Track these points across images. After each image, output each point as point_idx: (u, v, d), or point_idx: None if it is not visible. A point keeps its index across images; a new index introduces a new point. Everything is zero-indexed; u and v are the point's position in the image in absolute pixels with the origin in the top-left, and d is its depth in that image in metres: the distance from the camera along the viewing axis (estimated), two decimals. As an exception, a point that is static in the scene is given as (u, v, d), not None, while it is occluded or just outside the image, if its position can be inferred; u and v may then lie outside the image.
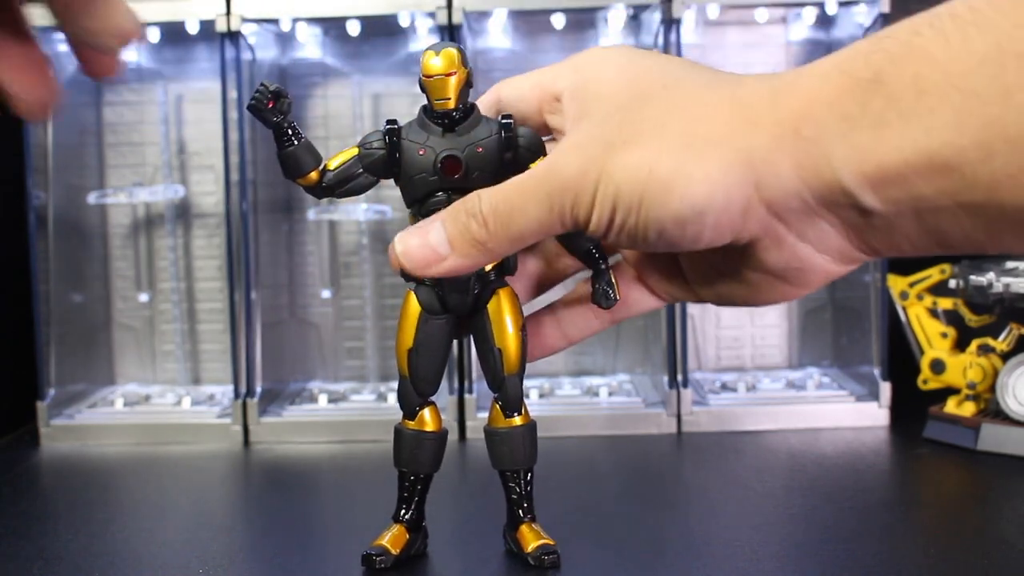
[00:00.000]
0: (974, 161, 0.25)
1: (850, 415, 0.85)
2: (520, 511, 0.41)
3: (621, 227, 0.30)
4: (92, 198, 0.92)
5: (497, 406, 0.39)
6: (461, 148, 0.36)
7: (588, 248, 0.37)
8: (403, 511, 0.42)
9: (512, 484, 0.41)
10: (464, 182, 0.36)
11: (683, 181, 0.29)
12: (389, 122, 0.38)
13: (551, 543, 0.40)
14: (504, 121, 0.37)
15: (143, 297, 0.97)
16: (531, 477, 0.42)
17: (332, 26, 0.91)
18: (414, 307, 0.37)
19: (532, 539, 0.40)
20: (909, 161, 0.26)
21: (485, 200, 0.33)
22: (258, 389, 0.86)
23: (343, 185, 0.40)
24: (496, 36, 0.94)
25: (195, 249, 0.97)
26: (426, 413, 0.39)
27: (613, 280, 0.37)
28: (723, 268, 0.33)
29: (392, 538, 0.41)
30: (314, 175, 0.39)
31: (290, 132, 0.38)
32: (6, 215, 0.90)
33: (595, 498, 0.69)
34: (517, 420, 0.39)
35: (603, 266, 0.37)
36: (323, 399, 0.89)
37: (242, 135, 0.85)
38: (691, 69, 0.33)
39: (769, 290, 0.33)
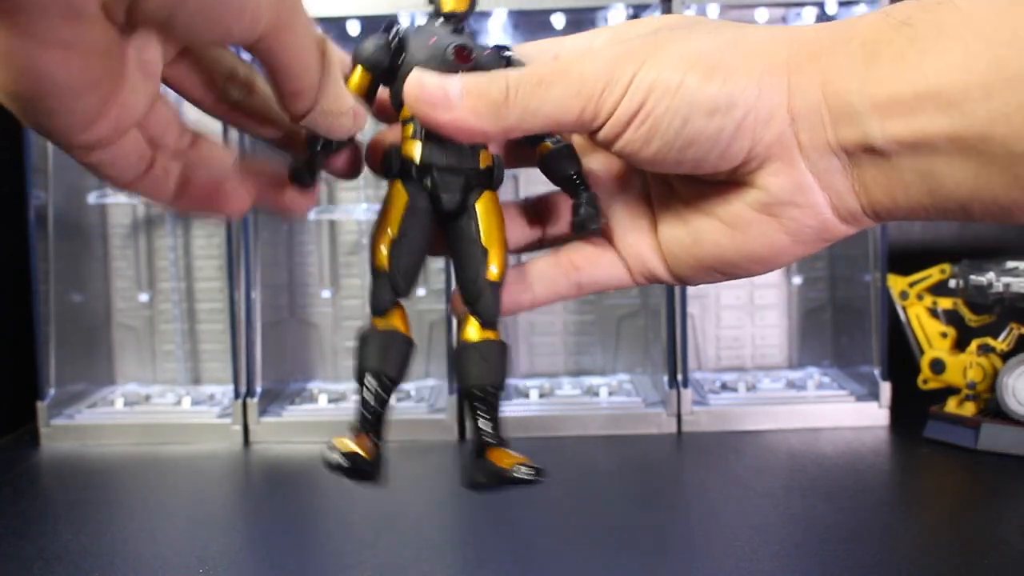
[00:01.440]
0: (976, 99, 0.27)
1: (850, 415, 0.85)
2: (491, 438, 0.35)
3: (647, 116, 0.30)
4: (92, 198, 0.92)
5: (473, 319, 0.35)
6: (471, 46, 0.35)
7: (570, 174, 0.36)
8: (368, 417, 0.33)
9: (484, 406, 0.35)
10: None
11: (724, 71, 0.30)
12: (391, 24, 0.37)
13: (530, 461, 0.34)
14: (505, 53, 0.36)
15: (143, 297, 0.97)
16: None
17: (332, 26, 0.91)
18: (401, 196, 0.34)
19: (509, 458, 0.34)
20: (918, 93, 0.28)
21: (512, 74, 0.32)
22: (258, 389, 0.86)
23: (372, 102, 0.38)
24: (496, 36, 0.94)
25: (195, 249, 0.97)
26: (396, 315, 0.35)
27: (598, 205, 0.36)
28: (711, 208, 0.33)
29: (360, 443, 0.33)
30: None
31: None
32: (6, 215, 0.90)
33: (595, 498, 0.69)
34: (492, 335, 0.35)
35: (586, 190, 0.36)
36: (323, 399, 0.89)
37: (242, 135, 0.85)
38: None
39: (758, 235, 0.32)
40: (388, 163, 0.35)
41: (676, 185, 0.34)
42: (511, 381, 0.95)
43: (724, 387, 0.91)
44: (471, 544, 0.61)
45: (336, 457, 0.32)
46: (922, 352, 0.83)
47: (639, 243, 0.36)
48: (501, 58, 0.35)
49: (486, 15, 0.88)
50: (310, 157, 0.34)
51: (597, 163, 0.37)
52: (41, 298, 0.86)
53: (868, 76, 0.29)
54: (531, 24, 0.93)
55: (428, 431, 0.85)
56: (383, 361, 0.34)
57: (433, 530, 0.64)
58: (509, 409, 0.84)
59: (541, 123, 0.32)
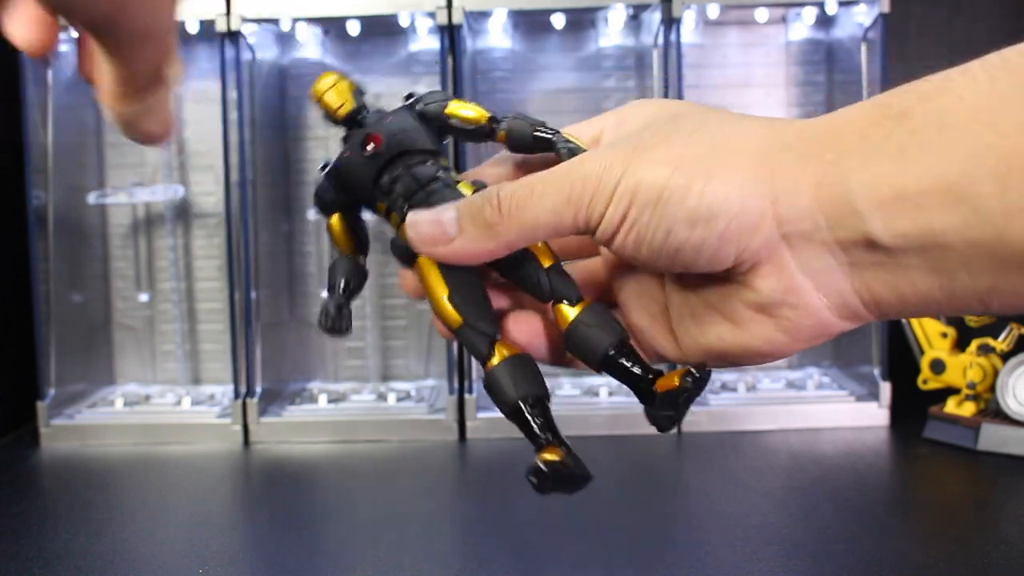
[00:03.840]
0: (988, 194, 0.25)
1: (850, 415, 0.85)
2: (649, 374, 0.36)
3: (632, 225, 0.30)
4: (92, 198, 0.92)
5: (560, 306, 0.36)
6: (372, 125, 0.37)
7: (532, 135, 0.36)
8: (547, 435, 0.34)
9: (626, 359, 0.35)
10: (398, 146, 0.36)
11: (703, 180, 0.29)
12: (322, 167, 0.39)
13: (689, 368, 0.35)
14: (409, 101, 0.38)
15: (143, 297, 0.97)
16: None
17: (332, 26, 0.91)
18: (427, 262, 0.36)
19: (671, 378, 0.34)
20: (924, 189, 0.26)
21: (505, 187, 0.32)
22: (258, 389, 0.86)
23: (362, 239, 0.40)
24: (496, 36, 0.94)
25: (195, 249, 0.97)
26: (499, 348, 0.36)
27: (573, 140, 0.36)
28: (713, 302, 0.33)
29: (553, 452, 0.34)
30: (361, 259, 0.40)
31: (347, 299, 0.38)
32: (6, 215, 0.90)
33: (595, 498, 0.69)
34: (584, 305, 0.36)
35: (555, 133, 0.36)
36: (323, 399, 0.89)
37: (242, 135, 0.85)
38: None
39: (756, 333, 0.32)
40: (402, 253, 0.36)
41: (684, 277, 0.34)
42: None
43: (724, 387, 0.91)
44: (471, 544, 0.61)
45: (544, 469, 0.33)
46: (922, 352, 0.83)
47: (652, 327, 0.36)
48: (407, 109, 0.37)
49: (486, 15, 0.88)
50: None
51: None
52: (41, 298, 0.86)
53: (867, 172, 0.27)
54: (531, 24, 0.93)
55: (428, 431, 0.85)
56: (528, 386, 0.34)
57: (433, 530, 0.64)
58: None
59: (541, 233, 0.32)
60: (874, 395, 0.85)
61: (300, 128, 0.95)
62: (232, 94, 0.85)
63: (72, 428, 0.86)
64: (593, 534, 0.61)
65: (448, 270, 0.35)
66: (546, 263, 0.35)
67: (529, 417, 0.34)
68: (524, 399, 0.34)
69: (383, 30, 0.92)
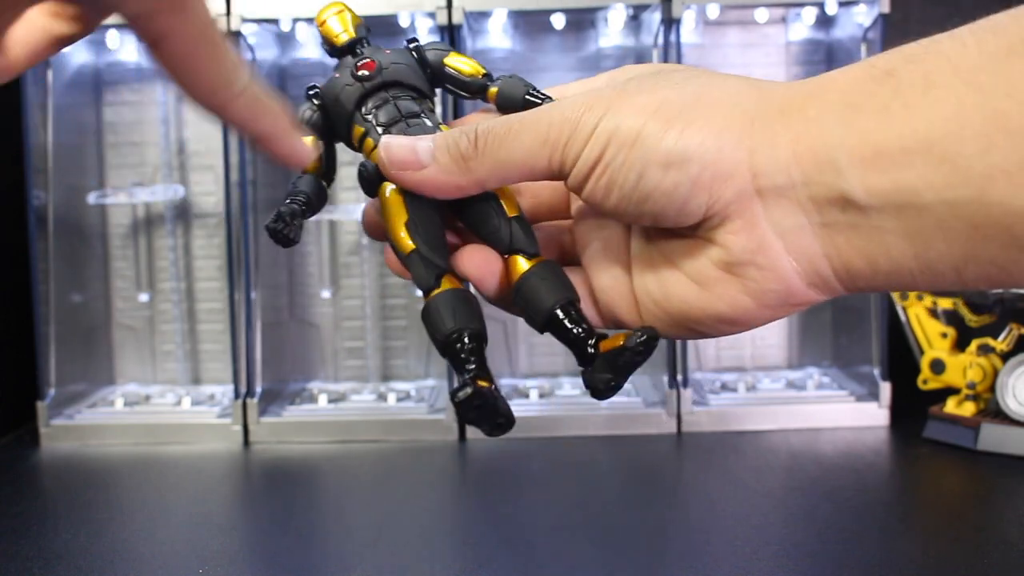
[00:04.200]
0: (971, 153, 0.25)
1: (850, 415, 0.85)
2: (590, 339, 0.34)
3: (606, 167, 0.29)
4: (92, 198, 0.92)
5: (515, 257, 0.35)
6: (369, 55, 0.37)
7: (524, 96, 0.36)
8: (473, 368, 0.32)
9: (569, 318, 0.34)
10: (390, 76, 0.36)
11: (682, 123, 0.29)
12: (309, 88, 0.38)
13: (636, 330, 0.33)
14: (412, 45, 0.37)
15: (143, 297, 0.97)
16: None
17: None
18: (393, 193, 0.35)
19: (616, 339, 0.32)
20: (906, 147, 0.26)
21: (482, 124, 0.32)
22: (258, 389, 0.86)
23: (331, 166, 0.39)
24: (496, 36, 0.94)
25: (195, 249, 0.97)
26: (445, 282, 0.35)
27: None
28: (679, 260, 0.32)
29: (488, 384, 0.32)
30: (324, 183, 0.39)
31: (305, 209, 0.37)
32: (6, 215, 0.90)
33: (595, 498, 0.69)
34: (540, 259, 0.35)
35: (547, 98, 0.36)
36: (323, 399, 0.89)
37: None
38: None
39: (722, 294, 0.31)
40: (368, 180, 0.35)
41: (651, 234, 0.33)
42: (511, 381, 0.95)
43: (724, 387, 0.91)
44: (471, 544, 0.61)
45: (471, 390, 0.30)
46: (922, 352, 0.83)
47: (613, 288, 0.34)
48: (407, 50, 0.36)
49: (486, 15, 0.88)
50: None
51: (579, 200, 0.36)
52: (41, 298, 0.86)
53: (848, 129, 0.27)
54: (531, 24, 0.93)
55: (428, 431, 0.85)
56: (463, 319, 0.32)
57: (433, 530, 0.64)
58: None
59: (514, 172, 0.32)
60: (874, 395, 0.85)
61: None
62: (232, 94, 0.85)
63: (72, 428, 0.86)
64: (593, 534, 0.61)
65: (412, 200, 0.34)
66: (511, 213, 0.34)
67: (460, 349, 0.32)
68: (460, 331, 0.32)
69: (383, 30, 0.92)
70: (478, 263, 0.34)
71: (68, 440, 0.86)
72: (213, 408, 0.89)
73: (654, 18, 0.87)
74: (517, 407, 0.87)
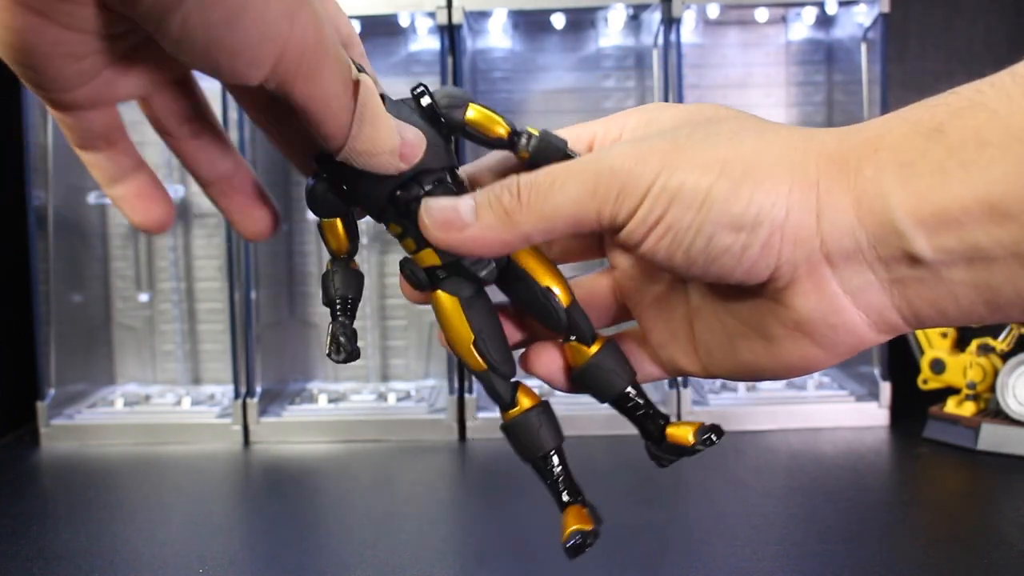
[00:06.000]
0: None
1: (850, 415, 0.85)
2: (659, 419, 0.36)
3: (668, 228, 0.29)
4: (92, 198, 0.92)
5: (574, 343, 0.35)
6: None
7: (563, 153, 0.35)
8: (566, 491, 0.36)
9: (636, 404, 0.36)
10: (418, 165, 0.34)
11: (750, 186, 0.28)
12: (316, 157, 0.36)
13: (702, 425, 0.35)
14: (417, 92, 0.35)
15: (143, 297, 0.97)
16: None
17: (332, 26, 0.91)
18: (448, 301, 0.34)
19: (686, 427, 0.35)
20: (967, 208, 0.26)
21: (525, 175, 0.31)
22: (258, 389, 0.86)
23: (356, 237, 0.38)
24: (496, 36, 0.94)
25: (195, 249, 0.97)
26: (521, 395, 0.36)
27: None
28: (745, 317, 0.32)
29: (580, 517, 0.35)
30: (355, 265, 0.38)
31: (352, 321, 0.37)
32: (6, 215, 0.90)
33: (595, 498, 0.69)
34: (598, 346, 0.35)
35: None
36: (323, 399, 0.89)
37: (242, 135, 0.85)
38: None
39: (792, 349, 0.31)
40: (415, 281, 0.35)
41: (713, 288, 0.33)
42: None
43: (724, 387, 0.91)
44: (471, 544, 0.61)
45: (580, 542, 0.35)
46: (922, 352, 0.83)
47: (673, 342, 0.35)
48: (418, 111, 0.33)
49: (486, 15, 0.88)
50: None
51: (625, 256, 0.35)
52: (41, 298, 0.86)
53: (907, 191, 0.27)
54: (531, 24, 0.93)
55: (428, 431, 0.85)
56: (548, 441, 0.35)
57: (433, 530, 0.64)
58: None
59: (560, 225, 0.30)
60: (874, 395, 0.85)
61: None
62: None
63: (72, 428, 0.86)
64: (593, 534, 0.61)
65: (469, 308, 0.34)
66: (564, 300, 0.34)
67: (554, 470, 0.35)
68: (547, 453, 0.35)
69: (383, 30, 0.92)
70: (546, 363, 0.35)
71: (68, 440, 0.86)
72: (213, 408, 0.89)
73: (654, 18, 0.87)
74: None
